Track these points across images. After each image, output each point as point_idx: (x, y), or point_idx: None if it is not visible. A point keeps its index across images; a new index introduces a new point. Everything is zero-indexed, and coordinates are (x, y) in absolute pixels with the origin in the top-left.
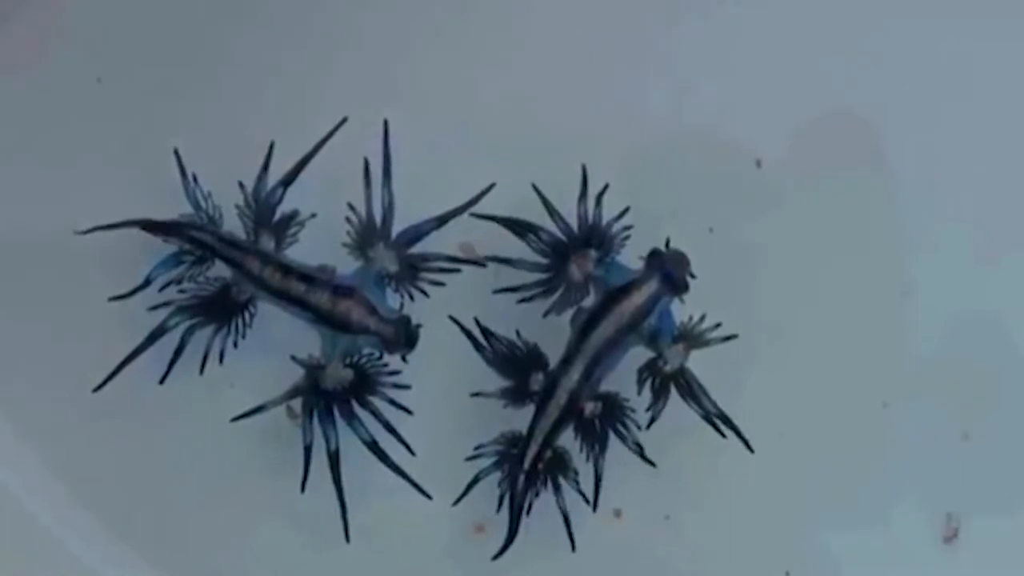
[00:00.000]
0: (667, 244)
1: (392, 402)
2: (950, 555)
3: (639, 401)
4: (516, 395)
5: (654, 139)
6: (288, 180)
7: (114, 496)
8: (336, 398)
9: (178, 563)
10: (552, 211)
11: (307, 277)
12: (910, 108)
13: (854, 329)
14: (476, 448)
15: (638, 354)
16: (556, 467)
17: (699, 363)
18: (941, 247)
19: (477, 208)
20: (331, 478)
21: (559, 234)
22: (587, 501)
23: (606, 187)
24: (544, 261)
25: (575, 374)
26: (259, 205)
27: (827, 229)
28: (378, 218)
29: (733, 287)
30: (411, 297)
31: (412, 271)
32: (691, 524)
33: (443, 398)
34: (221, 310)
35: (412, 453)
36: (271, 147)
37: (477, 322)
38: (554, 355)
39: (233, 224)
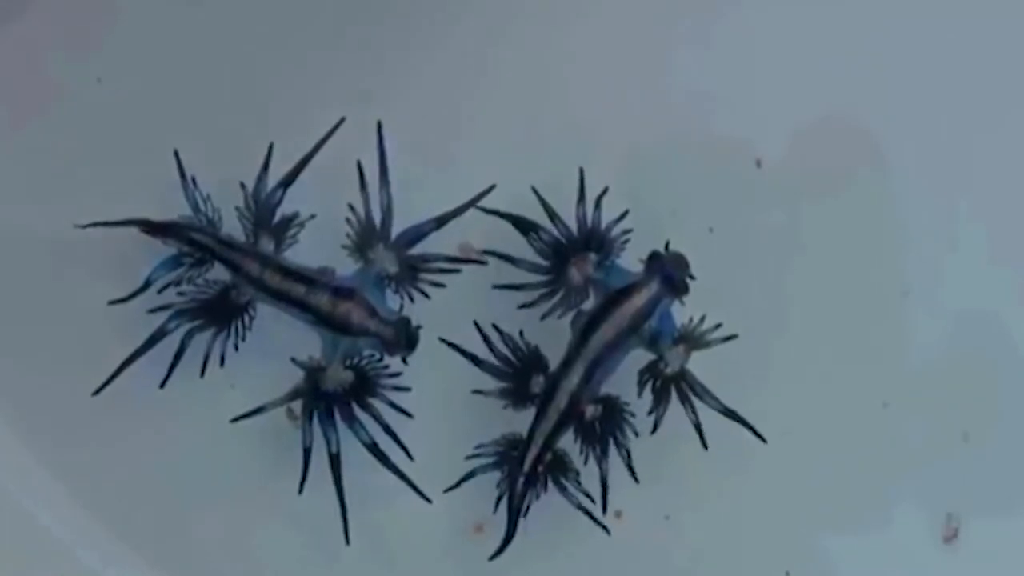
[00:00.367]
0: (667, 246)
1: (393, 405)
2: (950, 555)
3: (640, 404)
4: (516, 398)
5: (654, 139)
6: (288, 181)
7: (114, 496)
8: (336, 400)
9: (178, 563)
10: (551, 213)
11: (307, 279)
12: (910, 108)
13: (854, 329)
14: (476, 448)
15: (639, 357)
16: (556, 469)
17: (699, 364)
18: (941, 247)
19: (480, 205)
20: (332, 479)
21: (559, 236)
22: (592, 501)
23: (605, 190)
24: (544, 263)
25: (575, 377)
26: (259, 207)
27: (827, 229)
28: (377, 219)
29: (733, 287)
30: (411, 298)
31: (412, 272)
32: (691, 524)
33: (443, 400)
34: (221, 313)
35: (411, 458)
36: (270, 148)
37: (476, 325)
38: (554, 358)
39: (232, 226)
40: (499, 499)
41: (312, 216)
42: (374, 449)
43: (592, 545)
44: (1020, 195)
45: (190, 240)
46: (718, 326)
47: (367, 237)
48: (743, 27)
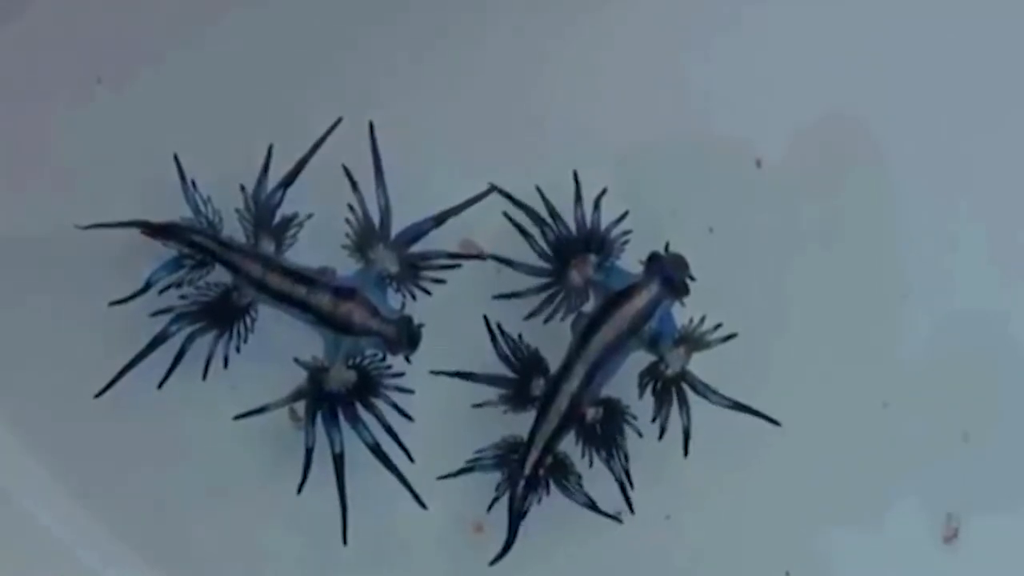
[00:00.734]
0: (666, 248)
1: (395, 406)
2: (950, 555)
3: (641, 406)
4: (517, 401)
5: (654, 139)
6: (287, 182)
7: (115, 497)
8: (340, 400)
9: (178, 564)
10: (554, 213)
11: (308, 279)
12: (910, 108)
13: (854, 329)
14: (476, 452)
15: (639, 358)
16: (557, 472)
17: (699, 364)
18: (941, 247)
19: (478, 215)
20: (335, 480)
21: (559, 237)
22: (592, 506)
23: (603, 191)
24: (546, 266)
25: (576, 379)
26: (259, 208)
27: (827, 229)
28: (376, 219)
29: (733, 287)
30: (413, 297)
31: (413, 270)
32: (691, 524)
33: (445, 400)
34: (222, 315)
35: (411, 460)
36: (270, 150)
37: (485, 320)
38: (555, 360)
39: (232, 227)
40: (495, 500)
41: (311, 216)
42: (377, 450)
43: (592, 545)
44: (1020, 195)
45: (190, 242)
46: (718, 327)
47: (367, 237)
48: (743, 27)
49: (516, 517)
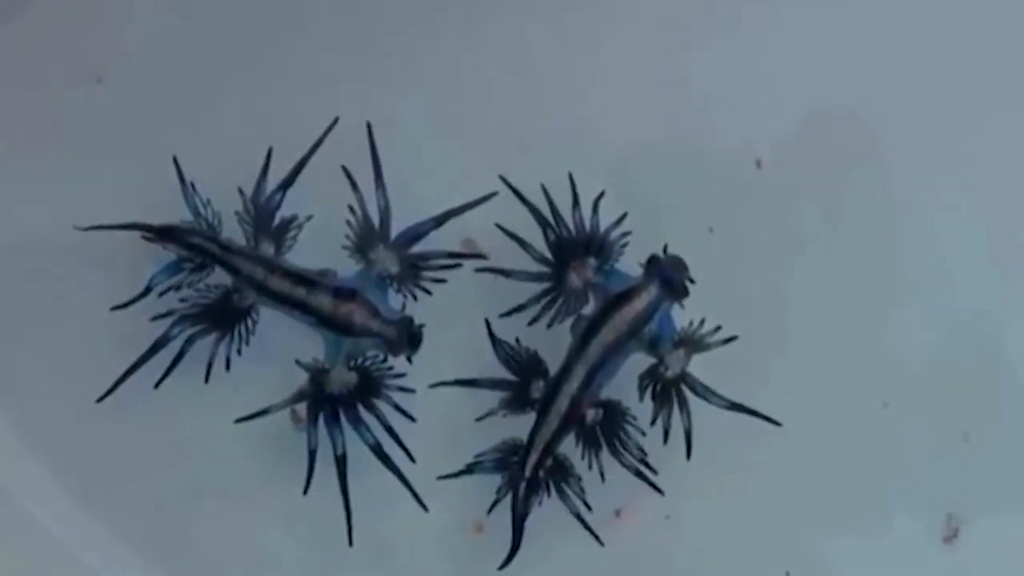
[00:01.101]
0: (665, 249)
1: (396, 407)
2: (950, 555)
3: (642, 408)
4: (517, 403)
5: (654, 139)
6: (286, 184)
7: (115, 497)
8: (341, 402)
9: (179, 565)
10: (556, 214)
11: (308, 281)
12: (910, 108)
13: (854, 329)
14: (476, 456)
15: (639, 361)
16: (557, 474)
17: (699, 365)
18: (941, 247)
19: (478, 215)
20: (337, 481)
21: (559, 240)
22: (588, 508)
23: (602, 194)
24: (546, 270)
25: (576, 381)
26: (258, 210)
27: (827, 229)
28: (376, 220)
29: (733, 288)
30: (414, 297)
31: (413, 271)
32: (691, 524)
33: (446, 401)
34: (223, 317)
35: (413, 460)
36: (269, 152)
37: (488, 325)
38: (554, 363)
39: (232, 229)
40: (495, 502)
41: (310, 217)
42: (378, 451)
43: (592, 545)
44: (1020, 195)
45: (190, 245)
46: (718, 328)
47: (367, 238)
48: (743, 28)
49: (519, 520)
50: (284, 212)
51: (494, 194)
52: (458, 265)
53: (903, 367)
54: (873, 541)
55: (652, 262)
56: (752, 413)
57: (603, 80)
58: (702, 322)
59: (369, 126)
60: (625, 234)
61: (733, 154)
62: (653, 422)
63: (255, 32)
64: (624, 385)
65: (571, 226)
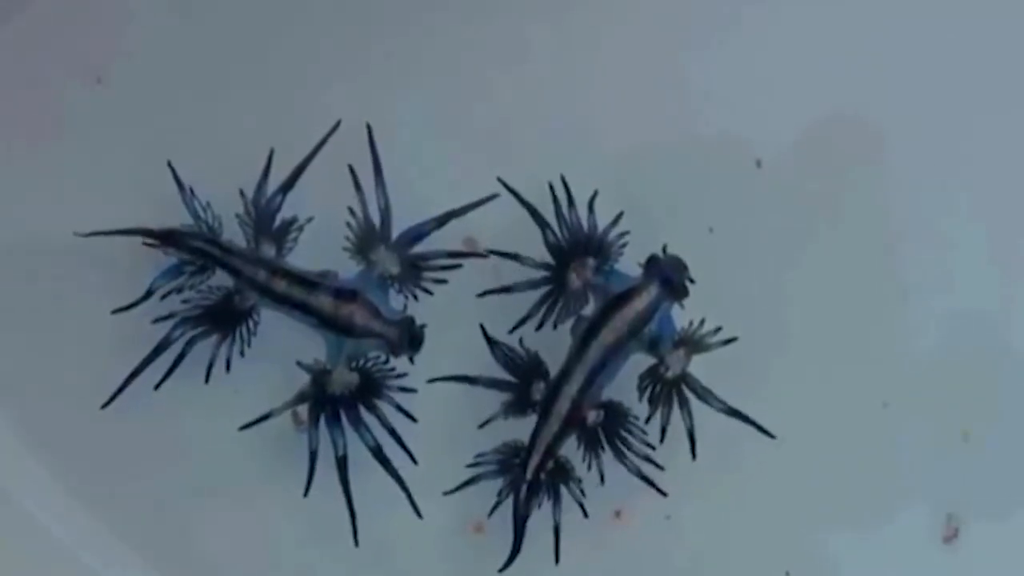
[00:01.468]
0: (664, 250)
1: (398, 408)
2: (950, 555)
3: (643, 408)
4: (518, 405)
5: (654, 139)
6: (287, 186)
7: (116, 498)
8: (343, 403)
9: (179, 565)
10: (559, 214)
11: (309, 282)
12: (910, 108)
13: (854, 329)
14: (476, 456)
15: (640, 361)
16: (558, 476)
17: (699, 365)
18: (941, 247)
19: (478, 215)
20: (339, 482)
21: (560, 239)
22: (585, 514)
23: (595, 194)
24: (545, 273)
25: (576, 383)
26: (259, 212)
27: (827, 229)
28: (377, 221)
29: (733, 288)
30: (415, 298)
31: (414, 271)
32: (691, 524)
33: (447, 402)
34: (225, 319)
35: (415, 462)
36: (271, 154)
37: (483, 329)
38: (555, 364)
39: (232, 231)
40: (496, 505)
41: (310, 219)
42: (378, 453)
43: (592, 545)
44: (1020, 195)
45: (191, 248)
46: (718, 329)
47: (368, 239)
48: (743, 27)
49: (521, 522)
50: (284, 213)
51: (495, 196)
52: (459, 266)
53: (903, 367)
54: (873, 541)
55: (651, 262)
56: (748, 421)
57: (603, 80)
58: (702, 322)
59: (369, 127)
60: (624, 234)
61: (733, 154)
62: (648, 420)
63: (255, 32)
64: (625, 386)
65: (566, 227)
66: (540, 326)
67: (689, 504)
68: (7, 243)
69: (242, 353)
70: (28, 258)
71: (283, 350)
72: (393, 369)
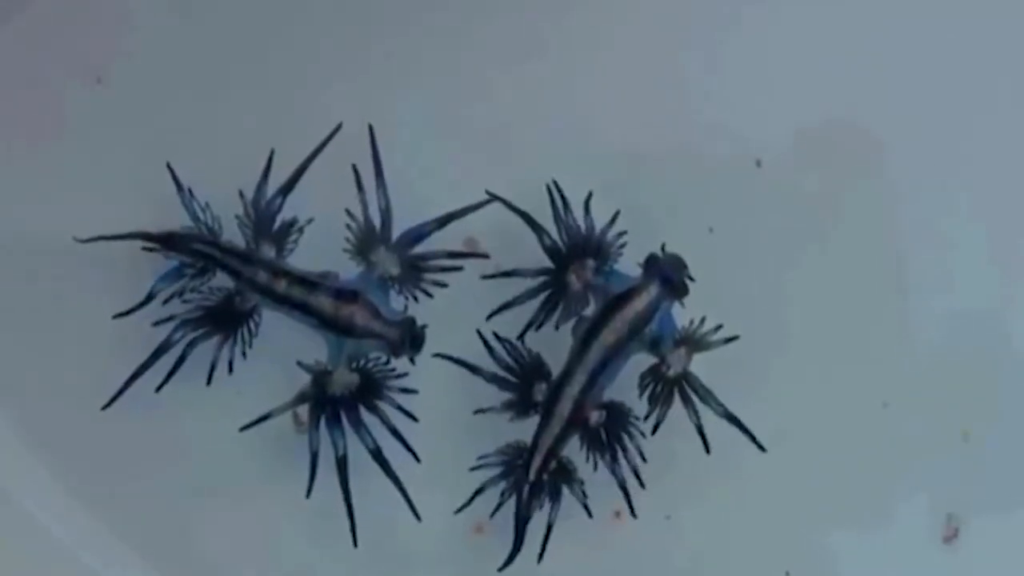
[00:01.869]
0: (663, 248)
1: (399, 408)
2: (950, 555)
3: (645, 407)
4: (519, 406)
5: (654, 139)
6: (287, 188)
7: (116, 498)
8: (343, 403)
9: (179, 566)
10: (558, 216)
11: (310, 283)
12: (910, 109)
13: (854, 329)
14: (479, 458)
15: (641, 362)
16: (561, 477)
17: (699, 364)
18: (941, 247)
19: (477, 214)
20: (339, 483)
21: (558, 241)
22: (589, 514)
23: (590, 195)
24: (543, 278)
25: (578, 384)
26: (259, 214)
27: (827, 229)
28: (377, 222)
29: (733, 287)
30: (415, 299)
31: (415, 272)
32: (691, 524)
33: (449, 402)
34: (225, 320)
35: (418, 460)
36: (271, 155)
37: (479, 334)
38: (556, 365)
39: (232, 233)
40: (499, 506)
41: (310, 221)
42: (377, 455)
43: (592, 545)
44: (1020, 195)
45: (192, 251)
46: (719, 327)
47: (368, 240)
48: (743, 27)
49: (522, 523)
50: (284, 215)
51: (497, 198)
52: (460, 268)
53: (903, 367)
54: (873, 541)
55: (651, 261)
56: (742, 428)
57: (603, 80)
58: (703, 321)
59: (371, 128)
60: (622, 234)
61: (733, 154)
62: (647, 418)
63: (255, 32)
64: (626, 387)
65: (564, 229)
66: (540, 326)
67: (689, 504)
68: (7, 243)
69: (243, 354)
70: (28, 258)
71: (284, 351)
72: (394, 370)
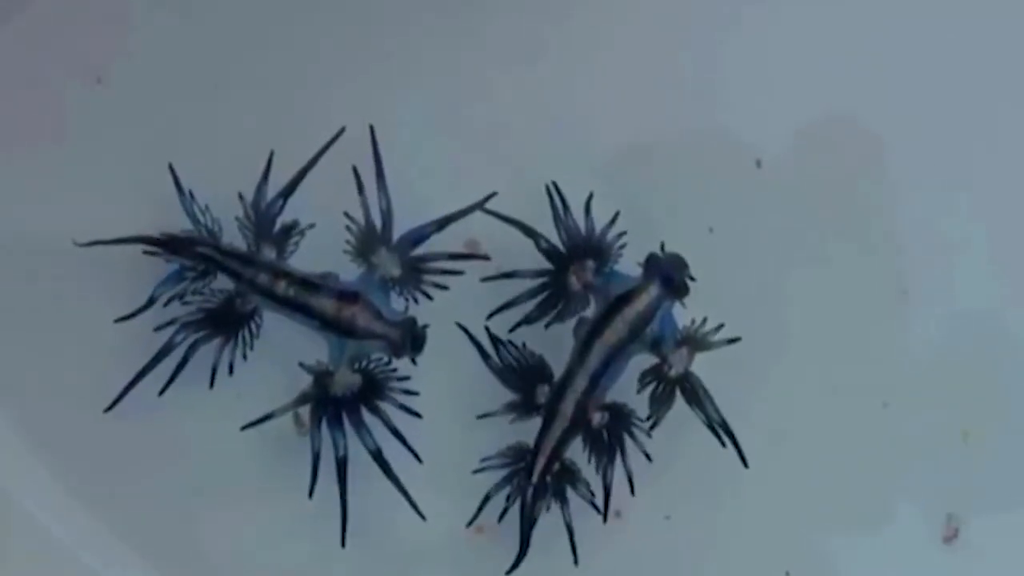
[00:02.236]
0: (662, 248)
1: (402, 407)
2: (950, 555)
3: (646, 409)
4: (522, 408)
5: (654, 139)
6: (288, 192)
7: (116, 498)
8: (345, 404)
9: (179, 566)
10: (558, 218)
11: (311, 284)
12: (910, 108)
13: (854, 329)
14: (482, 461)
15: (643, 363)
16: (564, 479)
17: (698, 364)
18: (941, 247)
19: (477, 214)
20: (337, 483)
21: (558, 244)
22: (598, 511)
23: (591, 196)
24: (543, 279)
25: (580, 385)
26: (259, 216)
27: (827, 229)
28: (378, 223)
29: (733, 288)
30: (416, 301)
31: (416, 274)
32: (691, 524)
33: (450, 402)
34: (226, 322)
35: (419, 461)
36: (270, 157)
37: (488, 330)
38: (557, 366)
39: (232, 234)
40: (505, 511)
41: (312, 225)
42: (378, 457)
43: (592, 545)
44: (1020, 195)
45: (192, 253)
46: (720, 327)
47: (369, 241)
48: (743, 28)
49: (527, 525)
50: (285, 216)
51: (493, 194)
52: (461, 272)
53: (903, 367)
54: (873, 541)
55: (651, 261)
56: (732, 440)
57: (603, 80)
58: (704, 321)
59: (372, 129)
60: (622, 234)
61: (733, 154)
62: (649, 417)
63: (255, 32)
64: (626, 388)
65: (564, 230)
66: (541, 323)
67: (689, 504)
68: (7, 243)
69: (244, 356)
70: (28, 258)
71: (285, 352)
72: (395, 371)
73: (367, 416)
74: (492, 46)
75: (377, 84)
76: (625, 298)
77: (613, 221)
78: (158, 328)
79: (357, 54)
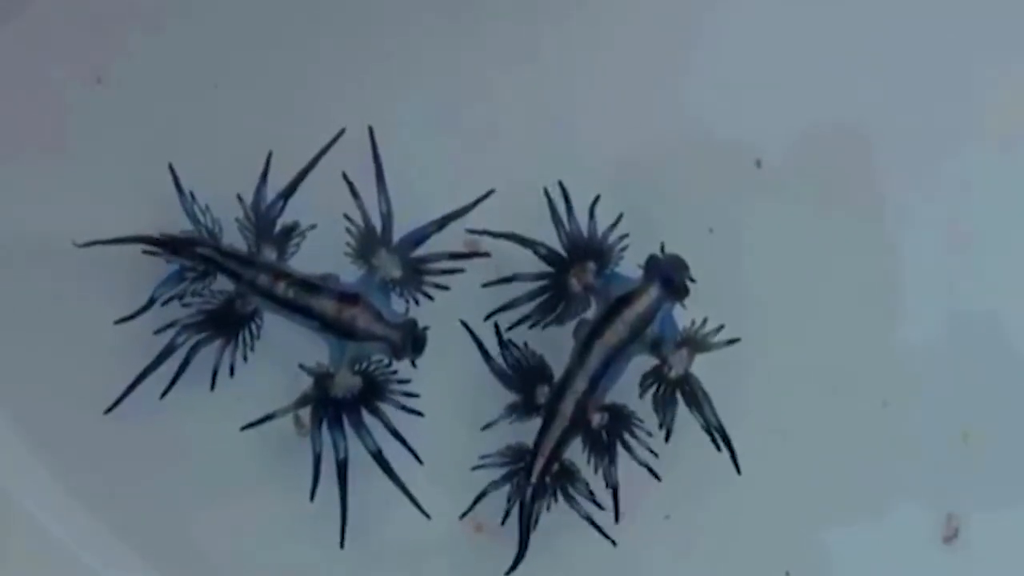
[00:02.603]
0: (662, 249)
1: (403, 406)
2: (950, 555)
3: (647, 408)
4: (522, 408)
5: (654, 139)
6: (288, 193)
7: (116, 498)
8: (346, 406)
9: (179, 566)
10: (557, 220)
11: (311, 285)
12: (910, 109)
13: (854, 329)
14: (481, 458)
15: (643, 364)
16: (564, 479)
17: (698, 364)
18: (941, 247)
19: (477, 216)
20: (338, 485)
21: (557, 246)
22: (601, 508)
23: (597, 198)
24: (543, 282)
25: (580, 386)
26: (259, 218)
27: (827, 229)
28: (378, 225)
29: (733, 288)
30: (416, 302)
31: (416, 275)
32: (691, 524)
33: (451, 403)
34: (227, 324)
35: (420, 462)
36: (269, 157)
37: (496, 327)
38: (558, 367)
39: (232, 235)
40: (507, 512)
41: (312, 226)
42: (379, 458)
43: (592, 545)
44: (1020, 195)
45: (192, 254)
46: (721, 328)
47: (369, 243)
48: (743, 28)
49: (526, 525)
50: (285, 217)
51: (491, 192)
52: (461, 270)
53: (903, 367)
54: (873, 540)
55: (651, 262)
56: (728, 445)
57: (603, 80)
58: (704, 322)
59: (371, 131)
60: (623, 236)
61: (733, 154)
62: (660, 427)
63: (255, 32)
64: (627, 389)
65: (564, 232)
66: (546, 325)
67: (689, 504)
68: (7, 243)
69: (244, 358)
70: (28, 258)
71: (285, 354)
72: (395, 372)
73: (367, 418)
74: (492, 46)
75: (377, 84)
76: (625, 299)
77: (616, 223)
78: (158, 331)
79: (357, 54)
